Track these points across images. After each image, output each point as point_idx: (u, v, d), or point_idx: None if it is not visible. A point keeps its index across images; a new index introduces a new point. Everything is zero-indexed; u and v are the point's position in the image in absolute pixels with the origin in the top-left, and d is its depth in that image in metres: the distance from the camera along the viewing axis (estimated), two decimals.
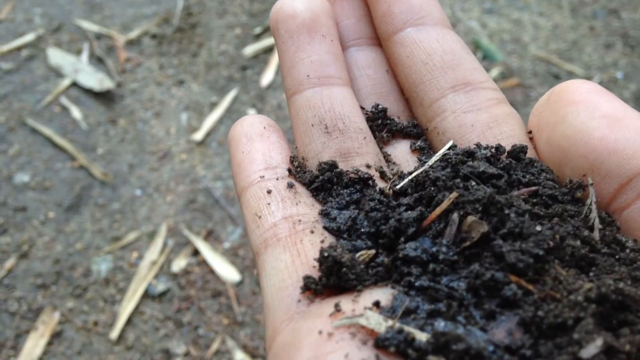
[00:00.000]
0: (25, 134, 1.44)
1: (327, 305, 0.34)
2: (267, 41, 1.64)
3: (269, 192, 0.41)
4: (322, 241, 0.38)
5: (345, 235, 0.39)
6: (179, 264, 1.25)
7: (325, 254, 0.35)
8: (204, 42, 1.65)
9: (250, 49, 1.62)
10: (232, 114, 1.50)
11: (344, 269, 0.34)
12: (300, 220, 0.39)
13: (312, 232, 0.39)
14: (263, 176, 0.42)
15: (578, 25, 1.68)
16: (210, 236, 1.29)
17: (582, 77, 1.56)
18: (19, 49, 1.60)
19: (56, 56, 1.58)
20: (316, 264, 0.36)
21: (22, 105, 1.49)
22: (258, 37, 1.67)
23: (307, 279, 0.35)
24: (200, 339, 1.16)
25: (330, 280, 0.35)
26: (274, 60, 1.60)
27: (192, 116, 1.50)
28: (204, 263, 1.25)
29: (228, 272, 1.24)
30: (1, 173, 1.37)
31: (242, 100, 1.53)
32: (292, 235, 0.38)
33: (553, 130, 0.40)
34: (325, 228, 0.39)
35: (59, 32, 1.65)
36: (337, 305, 0.33)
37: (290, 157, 0.44)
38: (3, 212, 1.31)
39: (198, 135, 1.45)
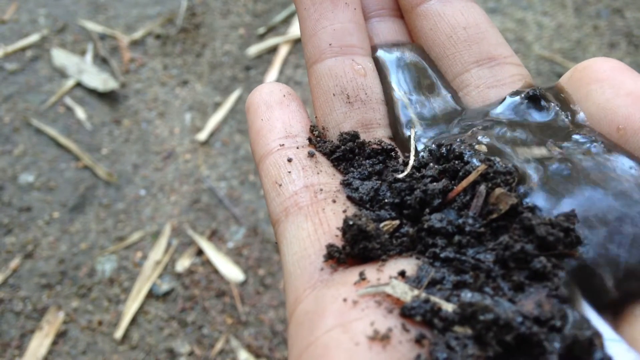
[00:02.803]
0: (29, 135, 1.45)
1: (351, 274, 0.33)
2: (271, 41, 1.64)
3: (289, 160, 0.40)
4: (345, 211, 0.38)
5: (367, 206, 0.38)
6: (183, 263, 1.25)
7: (350, 222, 0.34)
8: (207, 43, 1.65)
9: (254, 49, 1.62)
10: (236, 114, 1.51)
11: (369, 238, 0.34)
12: (321, 190, 0.39)
13: (334, 201, 0.38)
14: (283, 144, 0.41)
15: (582, 25, 1.68)
16: (214, 236, 1.29)
17: None
18: (23, 49, 1.61)
19: (60, 57, 1.59)
20: (339, 233, 0.36)
21: (27, 106, 1.50)
22: (262, 37, 1.67)
23: (330, 247, 0.35)
24: (204, 338, 1.16)
25: (355, 249, 0.34)
26: (278, 60, 1.60)
27: (196, 116, 1.50)
28: (207, 263, 1.25)
29: (232, 271, 1.24)
30: (6, 173, 1.38)
31: (246, 100, 1.53)
32: (313, 204, 0.38)
33: None
34: (347, 198, 0.39)
35: (63, 32, 1.66)
36: (361, 274, 0.33)
37: (311, 126, 0.44)
38: (8, 212, 1.32)
39: (202, 135, 1.45)
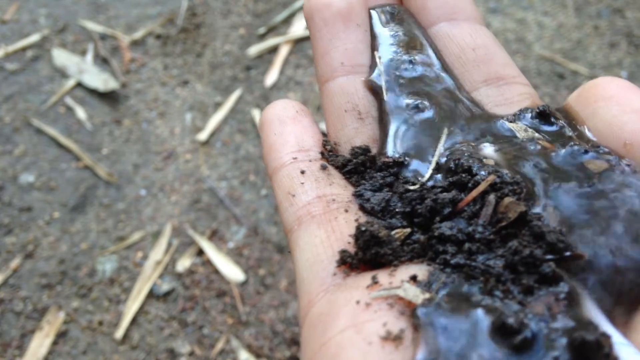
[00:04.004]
0: (30, 135, 1.45)
1: (363, 279, 0.34)
2: (271, 41, 1.64)
3: (302, 172, 0.41)
4: (357, 220, 0.38)
5: (379, 215, 0.39)
6: (184, 263, 1.25)
7: (363, 229, 0.35)
8: (208, 43, 1.65)
9: (254, 49, 1.62)
10: (237, 114, 1.50)
11: (381, 244, 0.35)
12: (334, 200, 0.40)
13: (346, 210, 0.39)
14: (296, 157, 0.43)
15: (582, 25, 1.68)
16: (214, 236, 1.29)
17: (587, 76, 1.56)
18: (24, 49, 1.61)
19: (61, 57, 1.59)
20: (351, 240, 0.37)
21: (27, 106, 1.50)
22: (262, 37, 1.67)
23: (343, 252, 0.35)
24: (204, 338, 1.16)
25: (367, 255, 0.35)
26: (278, 60, 1.60)
27: (197, 116, 1.50)
28: (208, 263, 1.25)
29: (232, 272, 1.24)
30: (6, 173, 1.38)
31: (247, 100, 1.53)
32: (326, 213, 0.39)
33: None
34: (359, 208, 0.40)
35: (63, 32, 1.66)
36: (374, 278, 0.33)
37: (323, 140, 0.45)
38: (8, 212, 1.32)
39: (202, 135, 1.45)
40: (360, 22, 0.47)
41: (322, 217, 0.38)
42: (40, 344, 1.14)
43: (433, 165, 0.41)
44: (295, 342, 1.15)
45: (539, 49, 1.62)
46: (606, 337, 0.28)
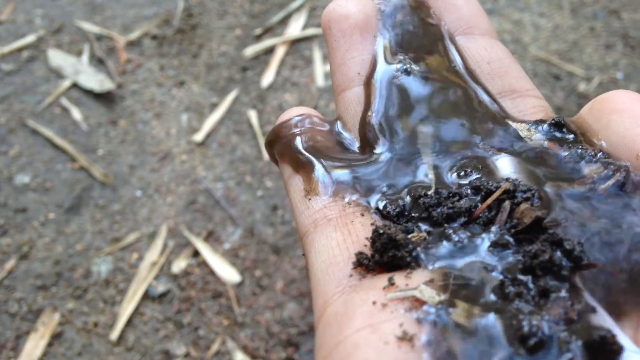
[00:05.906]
0: (25, 135, 1.44)
1: (379, 280, 0.35)
2: (268, 42, 1.64)
3: None
4: (373, 223, 0.39)
5: (395, 220, 0.40)
6: (179, 265, 1.25)
7: (380, 231, 0.36)
8: (204, 43, 1.65)
9: (250, 50, 1.62)
10: (233, 114, 1.50)
11: (398, 247, 0.36)
12: (350, 204, 0.41)
13: (362, 214, 0.40)
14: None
15: (578, 26, 1.68)
16: (210, 237, 1.29)
17: (583, 77, 1.56)
18: (19, 50, 1.61)
19: (57, 57, 1.59)
20: (367, 243, 0.37)
21: (23, 107, 1.49)
22: (258, 38, 1.67)
23: (359, 254, 0.36)
24: (200, 340, 1.16)
25: (384, 257, 0.35)
26: (275, 61, 1.60)
27: (193, 117, 1.50)
28: (204, 264, 1.25)
29: (228, 273, 1.23)
30: (2, 174, 1.37)
31: (243, 101, 1.53)
32: (342, 216, 0.39)
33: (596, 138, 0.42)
34: (375, 212, 0.40)
35: (59, 33, 1.66)
36: (390, 279, 0.34)
37: None
38: (3, 213, 1.31)
39: (198, 136, 1.45)
40: (376, 34, 0.48)
41: (339, 221, 0.39)
42: (35, 345, 1.14)
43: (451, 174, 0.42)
44: (291, 343, 1.15)
45: (535, 50, 1.62)
46: (620, 345, 0.29)
